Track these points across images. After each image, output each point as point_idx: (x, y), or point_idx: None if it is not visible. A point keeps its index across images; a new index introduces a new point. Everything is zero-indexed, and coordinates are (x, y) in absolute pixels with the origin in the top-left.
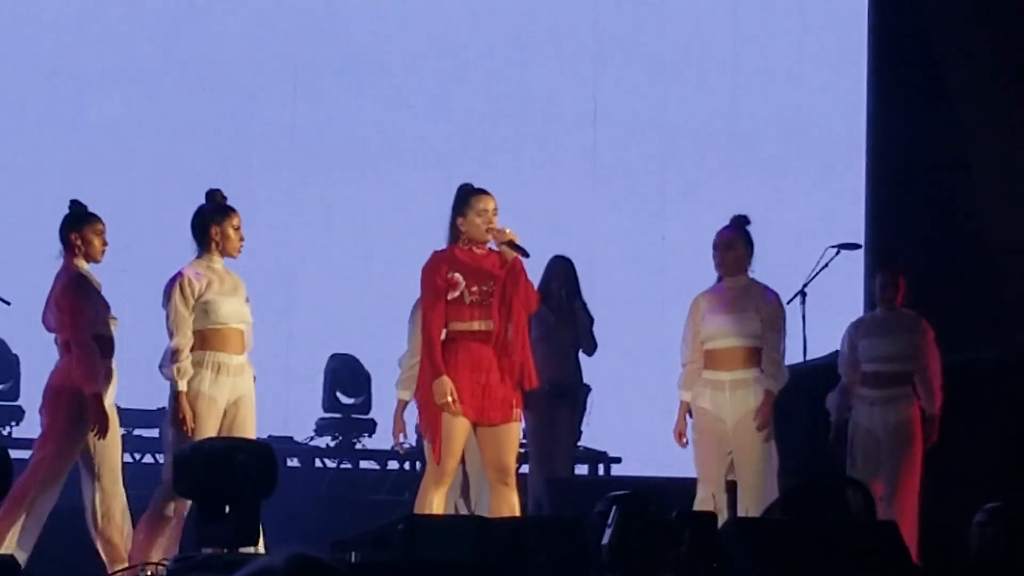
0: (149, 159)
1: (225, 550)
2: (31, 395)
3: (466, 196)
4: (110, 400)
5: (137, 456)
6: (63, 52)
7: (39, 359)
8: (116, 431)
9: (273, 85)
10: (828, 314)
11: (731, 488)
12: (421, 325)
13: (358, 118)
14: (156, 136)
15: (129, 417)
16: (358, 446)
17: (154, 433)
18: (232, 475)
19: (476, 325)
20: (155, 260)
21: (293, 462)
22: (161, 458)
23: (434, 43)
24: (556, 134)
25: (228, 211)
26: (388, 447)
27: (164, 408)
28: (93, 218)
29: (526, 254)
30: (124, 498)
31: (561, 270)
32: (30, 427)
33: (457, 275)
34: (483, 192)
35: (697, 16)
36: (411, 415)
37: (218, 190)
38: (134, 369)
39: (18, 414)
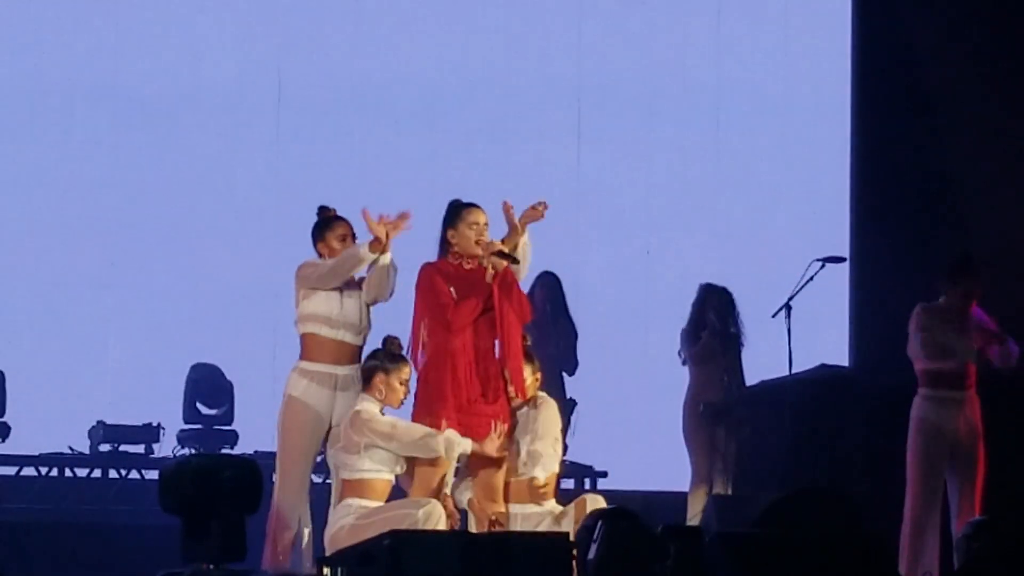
0: (134, 175)
1: (211, 566)
2: (17, 412)
3: (457, 210)
4: None
5: (123, 472)
6: (47, 71)
7: (25, 375)
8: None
9: (258, 98)
10: (813, 328)
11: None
12: (438, 333)
13: (342, 133)
14: (142, 151)
15: (115, 433)
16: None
17: (140, 449)
18: (218, 491)
19: (465, 339)
20: (140, 276)
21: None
22: (148, 474)
23: (419, 59)
24: (541, 149)
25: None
26: None
27: (149, 424)
28: (334, 222)
29: (516, 260)
30: None
31: (547, 285)
32: (15, 443)
33: (451, 288)
34: (474, 206)
35: (681, 30)
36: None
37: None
38: (120, 385)
39: (4, 431)
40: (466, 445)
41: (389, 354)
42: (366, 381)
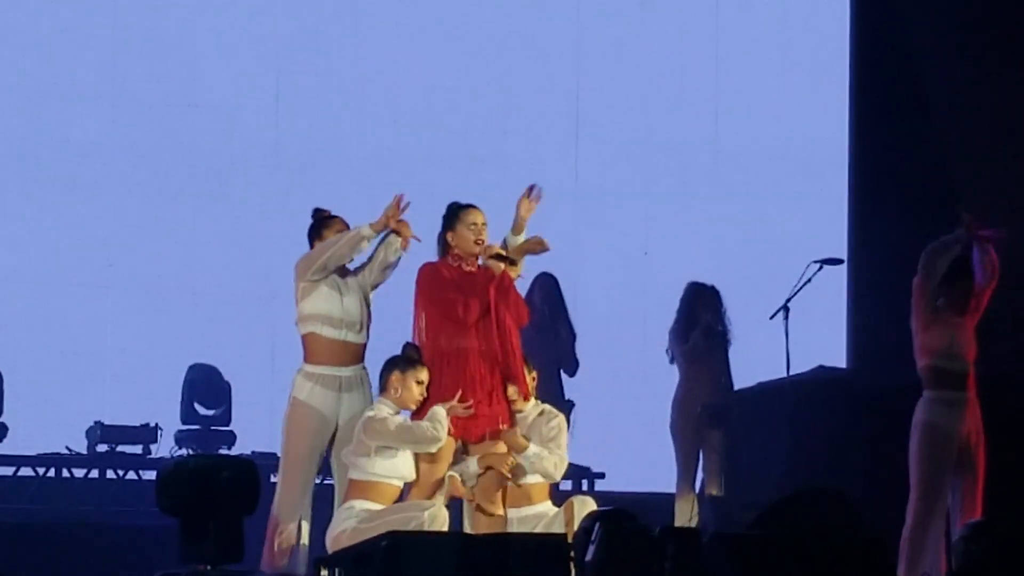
0: (133, 176)
1: (209, 566)
2: (14, 412)
3: (455, 211)
4: None
5: (120, 473)
6: (45, 69)
7: (22, 375)
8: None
9: (256, 100)
10: (811, 330)
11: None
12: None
13: (340, 135)
14: (140, 153)
15: (112, 433)
16: None
17: (137, 450)
18: (216, 491)
19: (464, 342)
20: (138, 277)
21: (276, 478)
22: (145, 475)
23: (417, 59)
24: (538, 150)
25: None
26: None
27: (147, 424)
28: (330, 220)
29: (513, 262)
30: None
31: (545, 286)
32: (12, 443)
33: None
34: (472, 207)
35: (679, 32)
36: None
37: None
38: (118, 386)
39: (1, 431)
40: (439, 412)
41: (406, 357)
42: (382, 383)
